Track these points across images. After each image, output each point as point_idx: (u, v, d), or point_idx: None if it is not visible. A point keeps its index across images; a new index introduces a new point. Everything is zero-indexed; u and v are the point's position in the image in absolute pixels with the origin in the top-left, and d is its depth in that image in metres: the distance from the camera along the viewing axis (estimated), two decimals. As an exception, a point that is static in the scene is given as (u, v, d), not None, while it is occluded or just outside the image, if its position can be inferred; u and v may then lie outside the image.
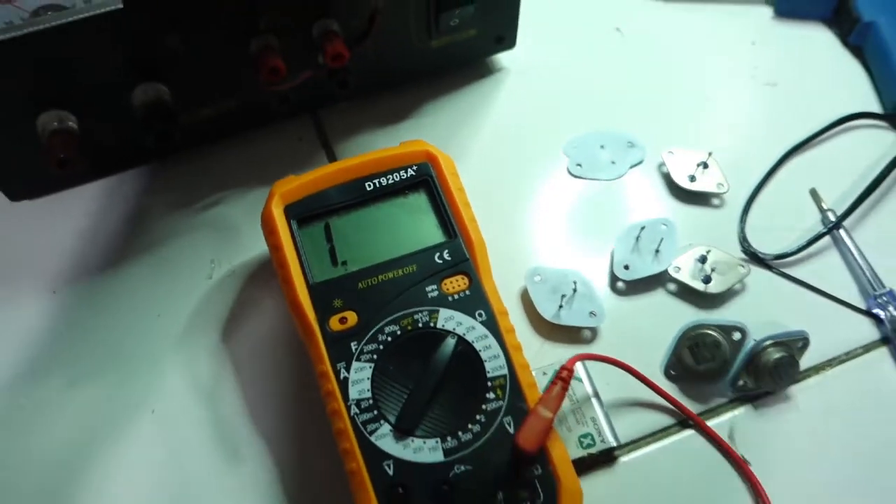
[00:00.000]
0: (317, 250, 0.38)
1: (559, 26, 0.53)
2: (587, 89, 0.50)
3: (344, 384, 0.35)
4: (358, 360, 0.35)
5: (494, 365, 0.35)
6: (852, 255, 0.43)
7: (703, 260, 0.42)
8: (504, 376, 0.35)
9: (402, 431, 0.34)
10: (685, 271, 0.42)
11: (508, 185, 0.46)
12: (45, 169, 0.41)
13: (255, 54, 0.41)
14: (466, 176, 0.41)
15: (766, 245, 0.44)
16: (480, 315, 0.36)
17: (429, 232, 0.39)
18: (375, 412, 0.34)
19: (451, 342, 0.35)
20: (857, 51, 0.52)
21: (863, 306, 0.42)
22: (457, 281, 0.37)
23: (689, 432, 0.39)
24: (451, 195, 0.39)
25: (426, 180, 0.40)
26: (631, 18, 0.54)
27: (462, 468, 0.33)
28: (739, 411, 0.40)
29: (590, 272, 0.43)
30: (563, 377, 0.34)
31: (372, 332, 0.36)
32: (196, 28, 0.40)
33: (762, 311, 0.42)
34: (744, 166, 0.47)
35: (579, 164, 0.47)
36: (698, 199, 0.46)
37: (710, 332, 0.39)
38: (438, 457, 0.33)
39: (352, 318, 0.36)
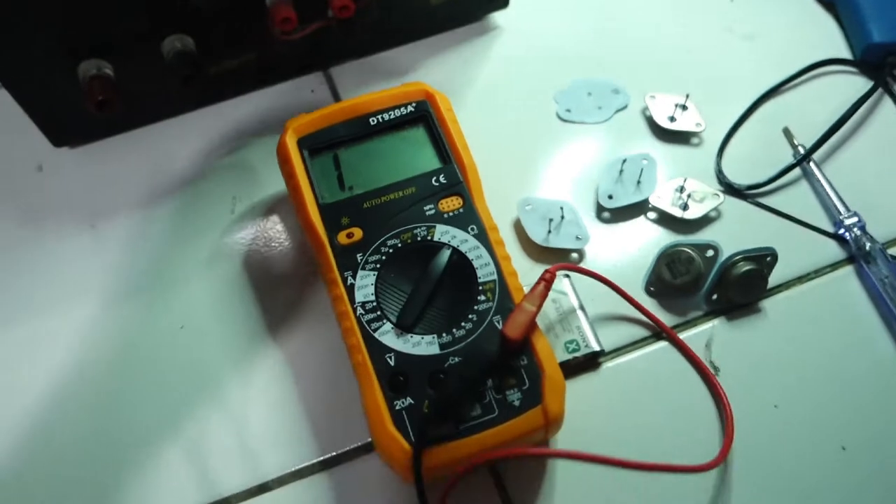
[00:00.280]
0: (326, 176, 0.43)
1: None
2: (576, 43, 0.54)
3: (351, 289, 0.39)
4: (363, 269, 0.40)
5: (485, 272, 0.39)
6: (821, 184, 0.47)
7: (680, 189, 0.46)
8: (494, 281, 0.39)
9: (403, 328, 0.38)
10: (664, 199, 0.46)
11: (503, 130, 0.51)
12: (84, 118, 0.46)
13: (270, 7, 0.45)
14: (464, 122, 0.46)
15: (741, 178, 0.47)
16: (472, 229, 0.40)
17: (427, 159, 0.43)
18: (378, 313, 0.38)
19: (446, 252, 0.40)
20: (830, 6, 0.55)
21: (830, 230, 0.46)
22: (452, 201, 0.41)
23: (663, 344, 0.43)
24: (447, 127, 0.43)
25: (424, 115, 0.44)
26: (618, -21, 0.58)
27: (456, 359, 0.37)
28: (715, 323, 0.43)
29: (577, 202, 0.47)
30: (546, 278, 0.38)
31: (375, 244, 0.40)
32: (218, -17, 0.45)
33: (736, 235, 0.45)
34: (722, 109, 0.50)
35: (568, 110, 0.51)
36: (678, 137, 0.50)
37: (685, 249, 0.43)
38: (434, 350, 0.37)
39: (357, 233, 0.40)
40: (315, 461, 0.40)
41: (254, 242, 0.47)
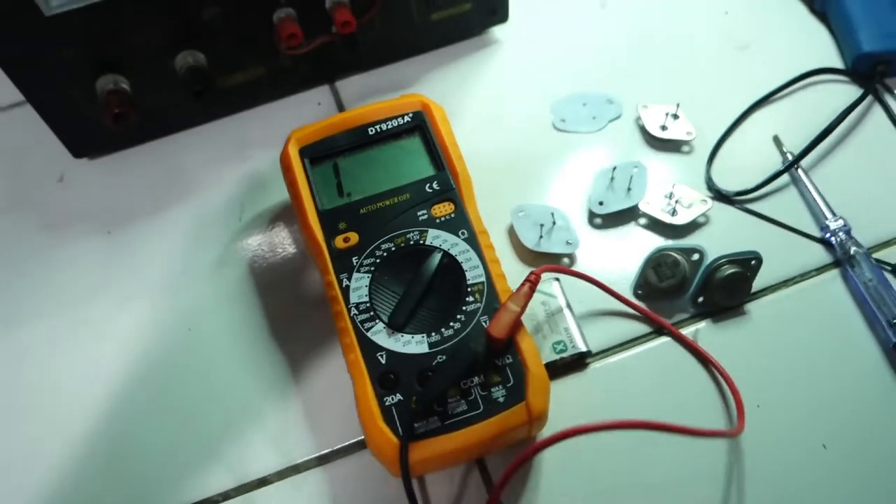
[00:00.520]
0: (326, 184, 0.45)
1: (549, 3, 0.59)
2: (572, 56, 0.56)
3: (346, 291, 0.41)
4: (358, 271, 0.41)
5: (474, 274, 0.41)
6: (808, 190, 0.48)
7: (670, 196, 0.47)
8: (482, 283, 0.41)
9: (394, 328, 0.40)
10: (654, 206, 0.47)
11: (501, 139, 0.52)
12: (103, 130, 0.49)
13: (277, 24, 0.48)
14: (464, 131, 0.48)
15: (731, 185, 0.49)
16: (463, 234, 0.42)
17: (421, 167, 0.45)
18: (372, 313, 0.40)
19: (437, 255, 0.41)
20: (823, 17, 0.56)
21: (817, 235, 0.47)
22: (444, 206, 0.43)
23: (657, 341, 0.44)
24: (441, 137, 0.45)
25: (420, 125, 0.46)
26: (615, -6, 0.60)
27: (444, 358, 0.39)
28: (701, 325, 0.44)
29: (570, 209, 0.49)
30: (531, 280, 0.40)
31: (370, 248, 0.42)
32: (228, 2, 0.47)
33: (724, 240, 0.46)
34: (714, 118, 0.52)
35: (563, 120, 0.52)
36: (670, 146, 0.51)
37: (671, 253, 0.44)
38: (424, 349, 0.39)
39: (354, 237, 0.42)
40: (312, 456, 0.42)
41: (260, 248, 0.49)
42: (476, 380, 0.38)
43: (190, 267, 0.49)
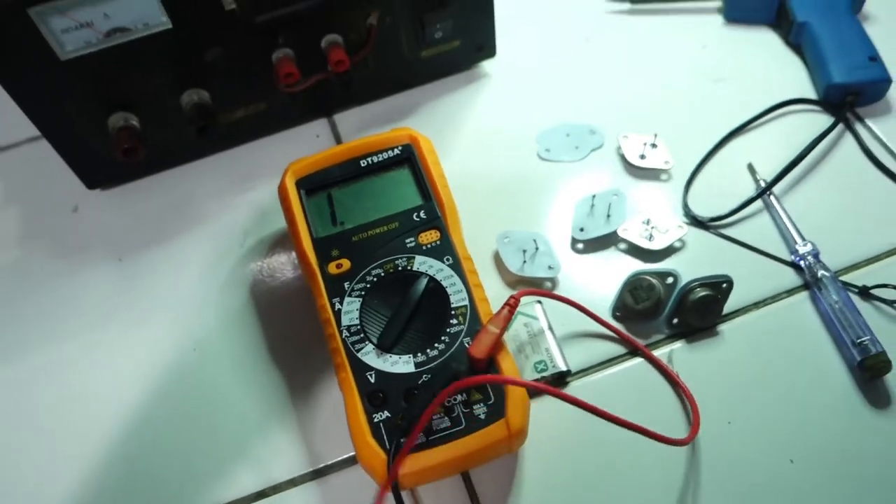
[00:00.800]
0: (320, 213, 0.48)
1: (536, 39, 0.62)
2: (558, 89, 0.59)
3: (338, 314, 0.44)
4: (349, 295, 0.44)
5: (458, 298, 0.44)
6: (780, 216, 0.50)
7: (647, 222, 0.50)
8: (465, 306, 0.43)
9: (383, 349, 0.42)
10: (632, 231, 0.50)
11: (488, 169, 0.55)
12: (114, 163, 0.52)
13: (275, 63, 0.51)
14: (453, 161, 0.51)
15: (706, 211, 0.51)
16: (448, 260, 0.45)
17: (409, 197, 0.48)
18: (362, 335, 0.43)
19: (423, 280, 0.44)
20: (797, 48, 0.59)
21: (788, 259, 0.49)
22: (430, 234, 0.46)
23: (628, 361, 0.46)
24: (429, 168, 0.48)
25: (409, 157, 0.49)
26: (599, 28, 0.63)
27: (429, 377, 0.41)
28: (676, 345, 0.47)
29: (553, 235, 0.51)
30: (511, 303, 0.42)
31: (361, 273, 0.45)
32: (229, 44, 0.50)
33: (699, 264, 0.49)
34: (691, 147, 0.54)
35: (547, 149, 0.55)
36: (648, 174, 0.54)
37: (646, 276, 0.47)
38: (410, 368, 0.42)
39: (346, 264, 0.45)
40: (307, 471, 0.44)
41: (261, 273, 0.52)
42: (459, 398, 0.41)
43: (196, 291, 0.52)
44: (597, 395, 0.45)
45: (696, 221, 0.51)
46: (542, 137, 0.56)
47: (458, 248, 0.45)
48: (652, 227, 0.50)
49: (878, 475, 0.41)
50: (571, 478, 0.42)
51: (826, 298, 0.46)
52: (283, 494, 0.44)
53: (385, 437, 0.40)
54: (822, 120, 0.55)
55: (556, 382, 0.46)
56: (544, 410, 0.45)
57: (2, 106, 0.54)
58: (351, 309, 0.44)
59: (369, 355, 0.42)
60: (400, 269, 0.45)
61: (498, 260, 0.51)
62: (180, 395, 0.48)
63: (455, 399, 0.41)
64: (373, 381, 0.42)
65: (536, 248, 0.50)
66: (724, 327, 0.47)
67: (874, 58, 0.55)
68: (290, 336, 0.49)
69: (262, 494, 0.44)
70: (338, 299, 0.44)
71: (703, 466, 0.42)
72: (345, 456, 0.44)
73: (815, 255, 0.48)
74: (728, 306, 0.47)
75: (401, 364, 0.42)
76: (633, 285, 0.47)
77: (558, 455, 0.43)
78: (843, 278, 0.47)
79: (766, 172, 0.52)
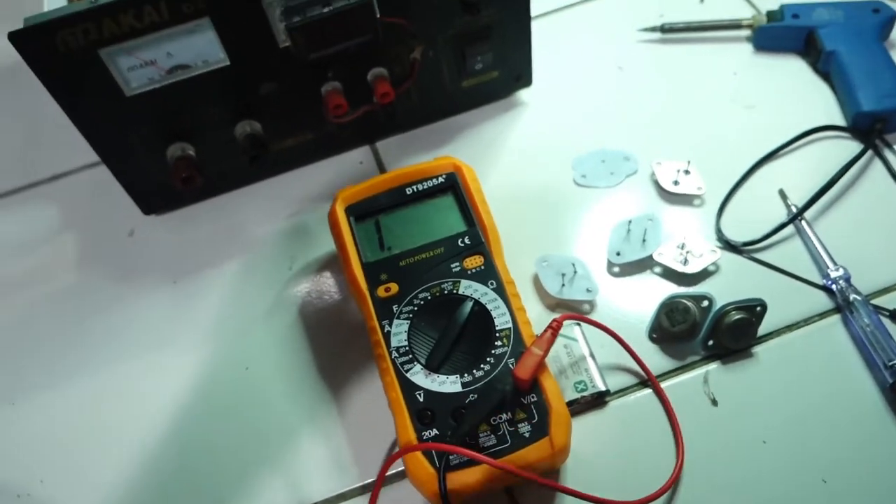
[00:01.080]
0: (369, 239, 0.50)
1: (571, 68, 0.65)
2: (593, 116, 0.61)
3: (387, 336, 0.46)
4: (398, 318, 0.46)
5: (502, 321, 0.46)
6: (811, 240, 0.52)
7: (682, 246, 0.52)
8: (509, 328, 0.45)
9: (430, 369, 0.44)
10: (667, 256, 0.52)
11: (526, 195, 0.57)
12: (170, 190, 0.55)
13: (324, 96, 0.54)
14: (492, 187, 0.53)
15: (739, 236, 0.53)
16: (492, 284, 0.47)
17: (454, 223, 0.50)
18: (410, 356, 0.45)
19: (468, 304, 0.46)
20: (826, 76, 0.61)
21: (819, 283, 0.50)
22: (474, 259, 0.48)
23: (664, 381, 0.48)
24: (472, 195, 0.50)
25: (453, 185, 0.51)
26: (632, 57, 0.65)
27: (475, 396, 0.43)
28: (712, 366, 0.48)
29: (590, 259, 0.53)
30: (553, 327, 0.44)
31: (409, 297, 0.47)
32: (282, 79, 0.53)
33: (733, 287, 0.51)
34: (723, 173, 0.56)
35: (583, 176, 0.57)
36: (681, 199, 0.55)
37: (682, 300, 0.48)
38: (457, 388, 0.44)
39: (394, 287, 0.47)
40: (356, 486, 0.47)
41: (308, 295, 0.54)
42: (504, 416, 0.43)
43: (247, 312, 0.54)
44: (633, 416, 0.47)
45: (730, 246, 0.52)
46: (577, 164, 0.58)
47: (502, 273, 0.48)
48: (686, 252, 0.51)
49: (910, 494, 0.43)
50: (612, 493, 0.44)
51: (857, 321, 0.47)
52: (333, 508, 0.46)
53: (434, 453, 0.42)
54: (852, 147, 0.56)
55: (596, 402, 0.48)
56: (587, 428, 0.46)
57: (61, 134, 0.57)
58: (400, 331, 0.46)
59: (418, 375, 0.44)
60: (446, 292, 0.47)
61: (536, 283, 0.53)
62: (233, 411, 0.50)
63: (501, 418, 0.43)
64: (421, 400, 0.44)
65: (575, 272, 0.52)
66: (758, 349, 0.48)
67: (902, 85, 0.56)
68: (339, 354, 0.51)
69: (314, 508, 0.46)
70: (387, 321, 0.46)
71: (739, 484, 0.44)
72: (394, 471, 0.47)
73: (847, 279, 0.49)
74: (762, 329, 0.48)
75: (448, 384, 0.44)
76: (669, 308, 0.48)
77: (599, 471, 0.45)
78: (875, 302, 0.49)
79: (797, 198, 0.54)
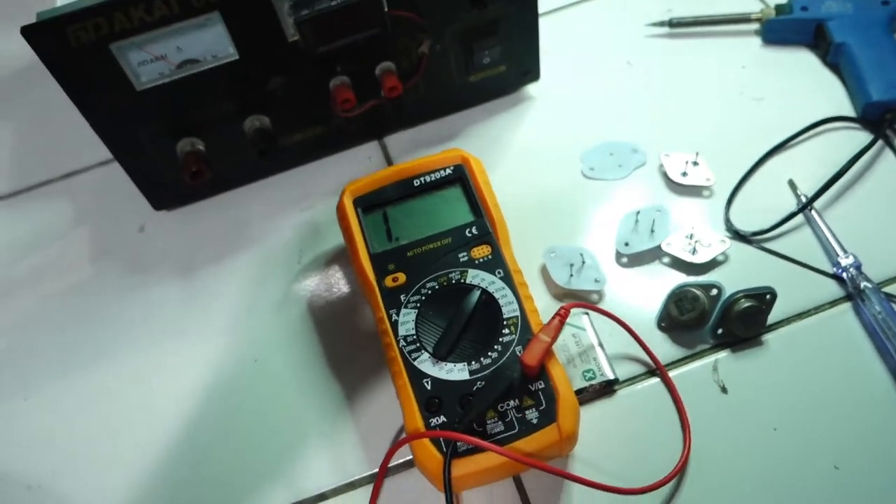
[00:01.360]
0: (377, 230, 0.50)
1: (579, 62, 0.65)
2: (601, 109, 0.61)
3: (395, 325, 0.46)
4: (406, 307, 0.46)
5: (509, 309, 0.46)
6: (821, 230, 0.51)
7: (690, 236, 0.52)
8: (516, 317, 0.45)
9: (438, 357, 0.44)
10: (675, 246, 0.52)
11: (534, 187, 0.57)
12: (179, 185, 0.56)
13: (333, 90, 0.54)
14: (501, 180, 0.53)
15: (748, 226, 0.53)
16: (499, 273, 0.47)
17: (461, 214, 0.50)
18: (418, 344, 0.45)
19: (476, 293, 0.46)
20: (835, 68, 0.60)
21: (830, 271, 0.50)
22: (482, 249, 0.48)
23: (672, 370, 0.48)
24: (479, 187, 0.51)
25: (460, 177, 0.51)
26: (640, 52, 0.65)
27: (482, 384, 0.43)
28: (721, 354, 0.48)
29: (598, 250, 0.53)
30: (561, 314, 0.44)
31: (416, 287, 0.47)
32: (291, 73, 0.54)
33: (742, 276, 0.50)
34: (732, 164, 0.56)
35: (592, 168, 0.57)
36: (690, 191, 0.55)
37: (691, 288, 0.48)
38: (465, 376, 0.44)
39: (402, 277, 0.48)
40: (365, 474, 0.47)
41: (317, 288, 0.55)
42: (512, 403, 0.43)
43: (256, 305, 0.55)
44: (641, 404, 0.47)
45: (739, 236, 0.52)
46: (585, 156, 0.58)
47: (509, 262, 0.48)
48: (695, 242, 0.51)
49: (924, 481, 0.42)
50: (620, 480, 0.44)
51: (869, 309, 0.47)
52: (342, 497, 0.46)
53: (441, 440, 0.42)
54: (861, 137, 0.56)
55: (605, 390, 0.47)
56: (595, 416, 0.46)
57: (74, 133, 0.58)
58: (407, 320, 0.46)
59: (425, 363, 0.44)
60: (453, 281, 0.47)
61: (545, 274, 0.53)
62: (243, 402, 0.50)
63: (508, 405, 0.43)
64: (429, 387, 0.44)
65: (583, 262, 0.52)
66: (768, 337, 0.48)
67: (912, 75, 0.56)
68: (347, 346, 0.51)
69: (323, 497, 0.46)
70: (394, 311, 0.47)
71: (749, 471, 0.43)
72: (402, 460, 0.47)
73: (858, 267, 0.49)
74: (772, 317, 0.48)
75: (456, 372, 0.44)
76: (678, 297, 0.48)
77: (607, 459, 0.45)
78: (885, 290, 0.48)
79: (807, 188, 0.53)
